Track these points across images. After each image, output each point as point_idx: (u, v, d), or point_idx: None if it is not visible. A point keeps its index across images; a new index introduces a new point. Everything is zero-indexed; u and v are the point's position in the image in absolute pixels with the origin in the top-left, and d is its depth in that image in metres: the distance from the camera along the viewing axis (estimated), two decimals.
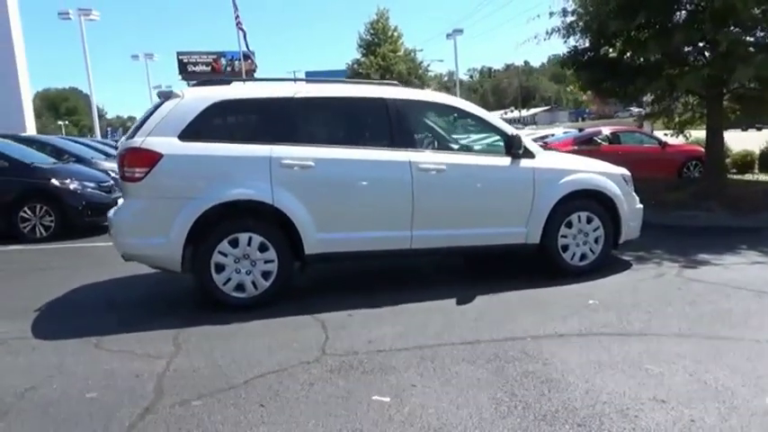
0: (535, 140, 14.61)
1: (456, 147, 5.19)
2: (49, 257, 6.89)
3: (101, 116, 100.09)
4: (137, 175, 4.16)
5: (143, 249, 4.25)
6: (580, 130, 14.84)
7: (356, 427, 2.62)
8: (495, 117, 5.13)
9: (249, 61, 79.98)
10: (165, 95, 4.44)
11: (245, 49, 61.88)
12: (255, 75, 78.75)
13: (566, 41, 9.62)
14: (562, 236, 5.12)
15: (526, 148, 5.02)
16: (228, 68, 76.79)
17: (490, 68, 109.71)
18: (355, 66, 33.67)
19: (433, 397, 2.90)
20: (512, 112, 73.65)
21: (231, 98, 4.46)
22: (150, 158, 4.16)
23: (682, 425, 2.56)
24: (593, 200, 5.23)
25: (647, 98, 10.11)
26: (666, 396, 2.84)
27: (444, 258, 5.86)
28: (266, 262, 4.38)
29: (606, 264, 5.37)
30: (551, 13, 9.46)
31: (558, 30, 9.40)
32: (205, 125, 4.32)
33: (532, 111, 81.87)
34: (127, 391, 3.04)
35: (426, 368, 3.26)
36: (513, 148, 4.88)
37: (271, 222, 4.38)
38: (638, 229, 5.55)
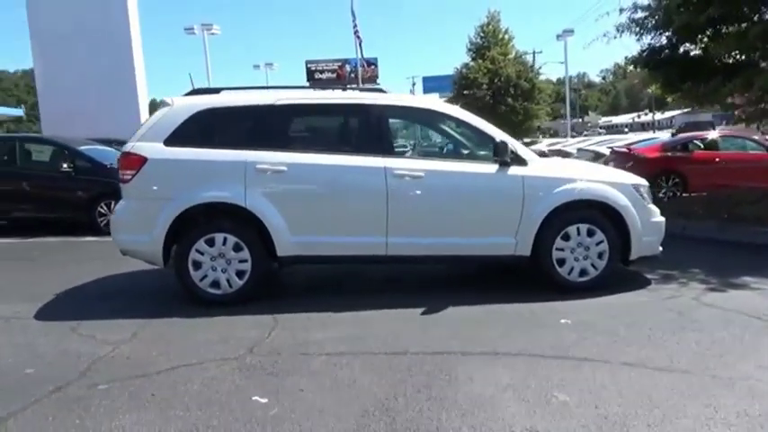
0: (619, 147, 13.64)
1: (441, 152, 5.05)
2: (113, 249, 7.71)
3: None
4: (126, 176, 4.59)
5: (132, 245, 4.66)
6: (673, 134, 13.52)
7: (212, 424, 2.72)
8: (482, 122, 4.92)
9: (372, 67, 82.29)
10: (164, 104, 4.84)
11: (360, 56, 63.70)
12: (378, 81, 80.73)
13: (639, 39, 8.89)
14: (558, 249, 4.79)
15: (517, 155, 4.77)
16: (352, 75, 79.82)
17: (624, 69, 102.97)
18: (464, 70, 33.32)
19: (307, 402, 2.92)
20: (645, 115, 68.59)
21: (215, 106, 4.75)
22: (137, 162, 4.56)
23: None
24: (595, 211, 4.84)
25: (737, 99, 9.00)
26: (544, 428, 2.61)
27: (444, 267, 5.74)
28: (240, 261, 4.60)
29: (615, 281, 4.95)
30: (621, 10, 8.80)
31: (629, 27, 8.72)
32: (190, 131, 4.64)
33: (669, 113, 75.43)
34: (60, 369, 3.39)
35: (329, 374, 3.26)
36: (500, 154, 4.66)
37: (244, 224, 4.59)
38: (656, 245, 5.03)
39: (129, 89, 16.26)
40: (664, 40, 8.79)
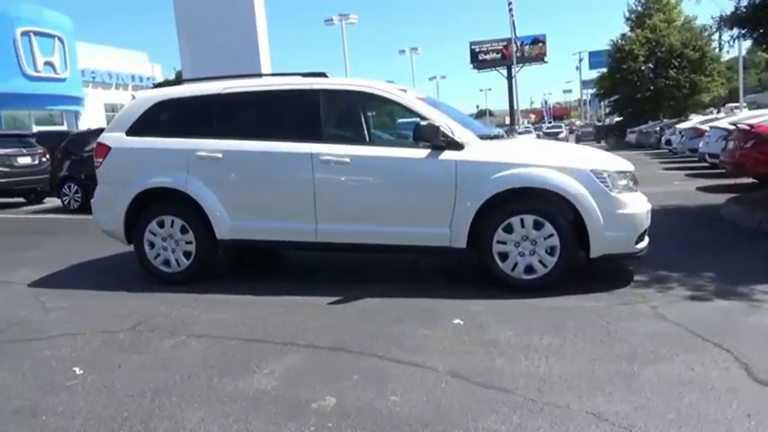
0: (742, 123, 11.45)
1: (373, 137, 4.78)
2: None
3: None
4: (97, 163, 5.15)
5: (103, 225, 5.22)
6: None
7: (26, 383, 3.05)
8: (419, 104, 4.56)
9: (540, 45, 78.94)
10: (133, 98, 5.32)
11: (514, 35, 61.15)
12: (546, 59, 77.33)
13: None
14: (499, 242, 4.34)
15: (452, 139, 4.38)
16: (518, 54, 77.25)
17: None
18: (620, 42, 30.36)
19: (112, 375, 3.11)
20: None
21: (170, 97, 5.08)
22: (104, 150, 5.09)
23: None
24: (542, 201, 4.27)
25: None
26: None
27: (418, 256, 5.48)
28: (187, 243, 4.90)
29: (581, 281, 4.38)
30: None
31: None
32: (148, 122, 5.04)
33: None
34: None
35: (161, 354, 3.40)
36: (424, 138, 4.33)
37: (188, 208, 4.87)
38: (627, 241, 4.29)
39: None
40: None
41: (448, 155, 4.37)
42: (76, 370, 3.21)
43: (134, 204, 4.96)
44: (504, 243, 4.34)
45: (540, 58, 76.72)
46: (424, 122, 4.34)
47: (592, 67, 55.45)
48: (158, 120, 5.04)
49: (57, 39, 28.48)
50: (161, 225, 4.93)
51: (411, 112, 4.56)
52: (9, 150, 11.70)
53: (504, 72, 73.52)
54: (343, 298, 4.35)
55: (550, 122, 54.82)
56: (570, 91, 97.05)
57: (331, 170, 4.53)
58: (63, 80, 28.31)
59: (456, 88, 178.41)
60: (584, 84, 66.01)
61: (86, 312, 4.30)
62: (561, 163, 4.28)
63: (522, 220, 4.28)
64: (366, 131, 4.79)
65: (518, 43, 72.99)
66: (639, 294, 4.19)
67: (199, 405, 2.73)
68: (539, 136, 41.84)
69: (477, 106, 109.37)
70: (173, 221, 4.90)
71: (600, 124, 40.24)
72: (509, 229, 4.31)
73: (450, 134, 4.38)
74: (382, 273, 5.32)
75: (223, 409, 2.69)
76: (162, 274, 4.98)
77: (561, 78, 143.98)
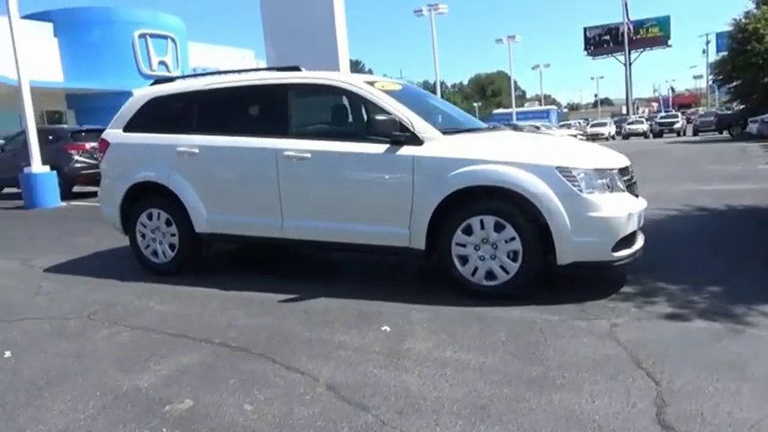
0: None
1: (337, 132, 4.54)
2: None
3: (520, 96, 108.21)
4: (100, 158, 5.46)
5: (106, 216, 5.52)
6: None
7: None
8: (384, 97, 4.30)
9: (657, 28, 73.53)
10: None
11: (627, 19, 57.11)
12: (669, 42, 71.88)
13: None
14: (458, 244, 4.04)
15: (412, 134, 4.12)
16: (635, 36, 72.27)
17: None
18: (743, 21, 27.15)
19: (32, 360, 3.30)
20: None
21: (161, 94, 5.24)
22: (104, 146, 5.39)
23: None
24: (501, 201, 3.90)
25: None
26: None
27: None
28: (171, 235, 5.06)
29: (556, 289, 4.00)
30: None
31: None
32: (142, 118, 5.25)
33: None
34: None
35: (89, 343, 3.53)
36: (377, 132, 4.11)
37: (171, 202, 5.02)
38: (603, 248, 3.80)
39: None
40: None
41: (406, 150, 4.12)
42: (7, 353, 3.42)
43: (128, 197, 5.21)
44: (464, 246, 4.02)
45: (662, 41, 71.16)
46: (378, 116, 4.12)
47: (719, 49, 50.11)
48: (151, 116, 5.23)
49: (170, 39, 30.83)
50: (150, 217, 5.13)
51: (371, 105, 4.34)
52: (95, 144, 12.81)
53: (622, 58, 69.09)
54: (299, 296, 4.27)
55: (669, 111, 50.47)
56: (701, 76, 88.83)
57: (294, 165, 4.45)
58: (175, 78, 30.61)
59: (563, 77, 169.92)
60: (712, 68, 60.16)
61: (65, 298, 4.59)
62: (524, 159, 3.87)
63: (481, 222, 3.95)
64: (330, 126, 4.64)
65: (631, 26, 68.36)
66: (610, 309, 3.70)
67: (72, 398, 2.79)
68: (651, 127, 38.76)
69: (596, 95, 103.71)
70: (159, 214, 5.08)
71: (722, 113, 36.29)
72: (468, 231, 3.99)
73: (410, 128, 4.13)
74: (361, 272, 5.16)
75: (87, 403, 2.73)
76: (151, 265, 5.19)
77: (688, 63, 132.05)
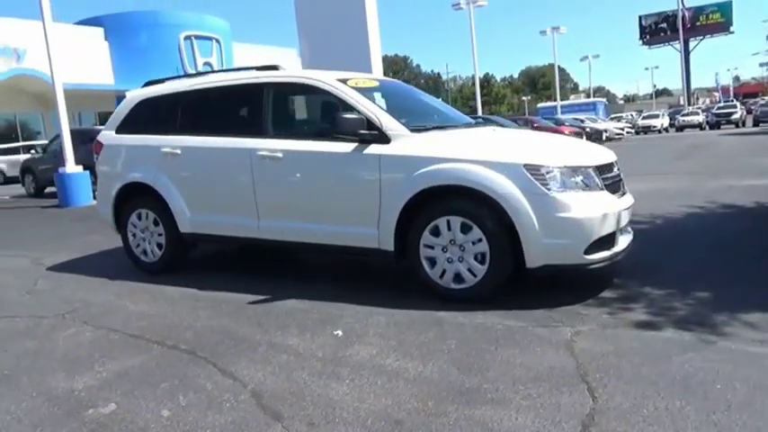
0: None
1: (311, 130, 4.46)
2: None
3: (573, 89, 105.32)
4: (95, 159, 5.59)
5: (101, 215, 5.64)
6: None
7: None
8: (353, 94, 4.17)
9: (717, 14, 70.06)
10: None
11: (682, 5, 54.36)
12: (732, 29, 68.49)
13: None
14: (426, 245, 3.90)
15: (380, 132, 4.00)
16: (694, 23, 68.99)
17: None
18: None
19: None
20: None
21: (149, 96, 5.30)
22: (99, 147, 5.50)
23: None
24: (468, 201, 3.73)
25: None
26: None
27: None
28: (159, 235, 5.13)
29: (531, 294, 3.82)
30: None
31: None
32: (133, 120, 5.33)
33: None
34: None
35: (53, 339, 3.61)
36: (342, 130, 4.00)
37: (157, 202, 5.07)
38: (575, 251, 3.58)
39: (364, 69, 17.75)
40: None
41: (373, 149, 4.00)
42: None
43: (119, 197, 5.31)
44: (432, 247, 3.88)
45: (723, 27, 67.54)
46: (343, 114, 4.01)
47: None
48: (140, 118, 5.31)
49: (214, 41, 31.58)
50: (139, 217, 5.22)
51: (342, 102, 4.23)
52: None
53: (679, 46, 66.04)
54: (270, 297, 4.23)
55: (728, 101, 47.93)
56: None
57: (267, 166, 4.41)
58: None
59: (619, 68, 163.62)
60: None
61: (52, 297, 4.71)
62: (491, 157, 3.69)
63: (448, 222, 3.79)
64: (303, 125, 4.57)
65: (687, 13, 65.18)
66: (581, 315, 3.48)
67: (10, 398, 2.84)
68: (707, 118, 36.90)
69: (655, 85, 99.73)
70: (147, 214, 5.15)
71: None
72: (436, 232, 3.84)
73: (378, 125, 4.01)
74: (344, 274, 5.07)
75: (20, 404, 2.76)
76: (141, 263, 5.28)
77: (752, 50, 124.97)
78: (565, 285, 4.05)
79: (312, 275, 5.09)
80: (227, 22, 33.48)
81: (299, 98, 4.56)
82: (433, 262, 3.90)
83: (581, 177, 3.67)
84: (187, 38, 30.01)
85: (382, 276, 4.81)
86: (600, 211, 3.62)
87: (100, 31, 28.76)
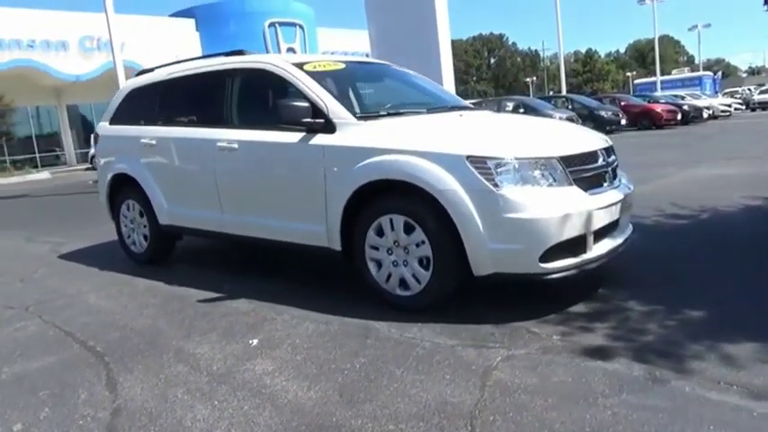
0: None
1: (269, 120, 4.08)
2: None
3: (689, 62, 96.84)
4: (94, 149, 5.66)
5: (103, 205, 5.73)
6: None
7: None
8: (307, 80, 3.77)
9: None
10: None
11: None
12: None
13: None
14: (372, 246, 3.51)
15: (326, 119, 3.63)
16: None
17: None
18: None
19: None
20: None
21: (137, 86, 5.24)
22: (96, 138, 5.57)
23: None
24: (413, 198, 3.28)
25: None
26: None
27: None
28: (144, 226, 5.11)
29: (486, 305, 3.34)
30: None
31: None
32: (124, 110, 5.32)
33: None
34: None
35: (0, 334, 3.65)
36: (284, 119, 3.65)
37: (142, 193, 5.03)
38: (528, 257, 3.04)
39: (433, 58, 17.17)
40: None
41: (318, 139, 3.65)
42: None
43: (111, 188, 5.34)
44: (377, 249, 3.48)
45: None
46: (283, 101, 3.67)
47: None
48: (129, 108, 5.29)
49: (298, 27, 31.49)
50: (128, 208, 5.22)
51: (293, 88, 3.88)
52: None
53: None
54: (223, 296, 4.03)
55: None
56: None
57: (225, 157, 4.19)
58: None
59: (743, 38, 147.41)
60: None
61: (37, 287, 4.81)
62: (432, 147, 3.21)
63: (391, 221, 3.38)
64: (263, 113, 4.24)
65: None
66: (528, 334, 2.96)
67: None
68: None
69: None
70: (134, 205, 5.14)
71: None
72: (380, 232, 3.44)
73: (326, 113, 3.64)
74: (317, 272, 4.76)
75: None
76: (131, 254, 5.31)
77: None
78: (537, 295, 3.50)
79: (280, 273, 4.81)
80: (311, 9, 33.88)
81: (258, 85, 4.25)
82: (380, 264, 3.50)
83: (541, 171, 3.11)
84: (271, 24, 30.47)
85: (350, 277, 4.46)
86: (560, 210, 3.04)
87: (191, 22, 30.14)
